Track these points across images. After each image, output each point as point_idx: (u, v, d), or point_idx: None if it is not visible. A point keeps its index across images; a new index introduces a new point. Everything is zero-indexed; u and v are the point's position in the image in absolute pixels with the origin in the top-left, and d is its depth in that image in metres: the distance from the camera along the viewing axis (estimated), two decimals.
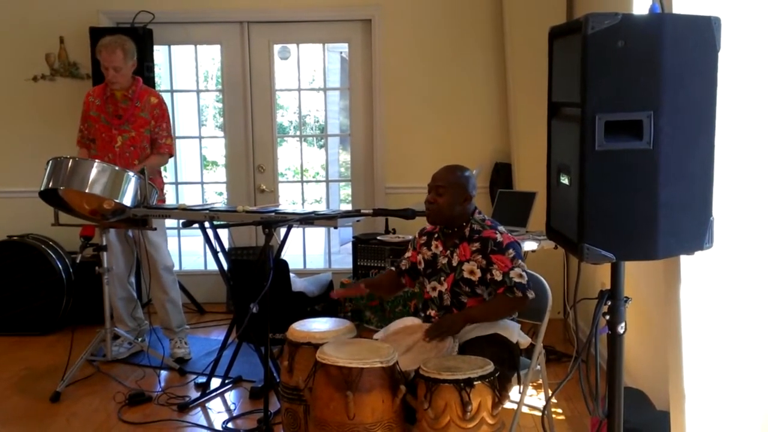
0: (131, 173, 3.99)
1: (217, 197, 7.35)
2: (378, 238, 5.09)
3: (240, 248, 5.58)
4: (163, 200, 4.57)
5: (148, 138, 4.40)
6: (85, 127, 4.49)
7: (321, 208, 6.44)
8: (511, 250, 2.96)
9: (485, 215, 3.12)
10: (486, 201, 5.34)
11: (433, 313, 3.11)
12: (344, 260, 6.30)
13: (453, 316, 3.00)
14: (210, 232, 3.99)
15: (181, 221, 4.17)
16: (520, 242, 3.09)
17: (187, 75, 6.14)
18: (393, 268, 3.30)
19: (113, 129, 4.36)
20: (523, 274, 2.94)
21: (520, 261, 2.96)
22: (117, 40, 4.29)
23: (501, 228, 3.06)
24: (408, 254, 3.26)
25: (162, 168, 4.61)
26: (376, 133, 5.64)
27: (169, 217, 4.09)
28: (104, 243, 4.18)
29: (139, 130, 4.36)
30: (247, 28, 5.67)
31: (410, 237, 3.32)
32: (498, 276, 2.93)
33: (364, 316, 5.04)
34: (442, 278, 3.06)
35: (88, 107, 4.45)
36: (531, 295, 2.94)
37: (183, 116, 6.48)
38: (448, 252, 3.06)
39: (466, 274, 3.00)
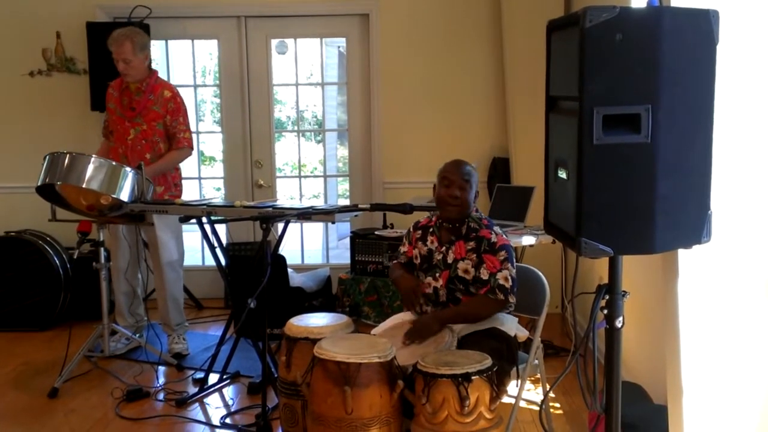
0: (128, 168, 3.98)
1: (214, 192, 7.34)
2: (376, 232, 5.08)
3: (238, 243, 5.57)
4: (179, 195, 4.54)
5: (161, 132, 4.38)
6: (106, 119, 4.51)
7: (319, 203, 6.44)
8: (503, 252, 2.95)
9: (482, 213, 3.12)
10: (484, 196, 5.32)
11: (429, 309, 3.10)
12: (342, 255, 6.29)
13: (428, 317, 2.98)
14: (207, 227, 3.98)
15: (178, 216, 4.15)
16: (512, 246, 3.07)
17: (185, 70, 6.11)
18: (396, 262, 3.28)
19: (127, 121, 4.36)
20: (509, 278, 2.93)
21: (509, 264, 2.95)
22: (126, 32, 4.29)
23: (497, 228, 3.05)
24: (404, 249, 3.25)
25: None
26: (373, 128, 5.63)
27: (167, 212, 4.08)
28: (101, 238, 4.17)
29: (150, 124, 4.35)
30: (244, 23, 5.65)
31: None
32: (484, 275, 2.93)
33: (362, 311, 5.03)
34: (437, 274, 3.06)
35: (108, 99, 4.47)
36: (513, 299, 2.94)
37: None
38: (444, 248, 3.05)
39: (460, 273, 3.00)
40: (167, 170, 4.44)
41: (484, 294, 2.93)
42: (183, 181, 4.85)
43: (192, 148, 4.50)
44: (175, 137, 4.40)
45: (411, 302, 3.04)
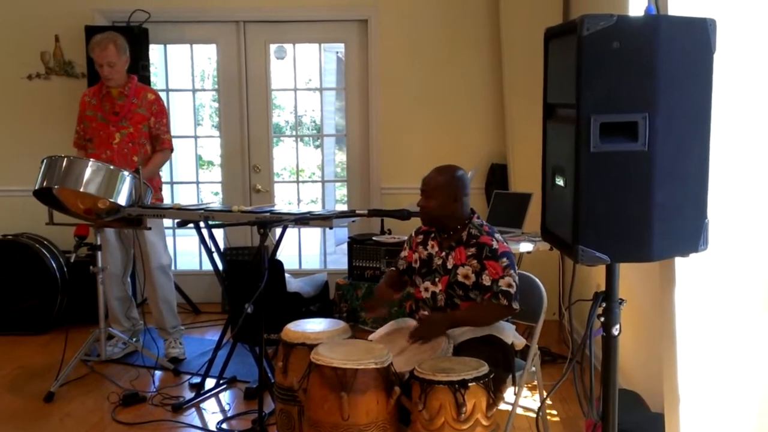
0: (126, 172, 3.98)
1: (212, 197, 7.33)
2: (373, 238, 5.08)
3: (235, 248, 5.57)
4: (161, 199, 4.56)
5: (146, 134, 4.41)
6: (81, 128, 4.50)
7: (316, 208, 6.43)
8: (505, 259, 2.95)
9: (483, 221, 3.12)
10: (482, 202, 5.33)
11: (426, 314, 3.10)
12: (340, 260, 6.29)
13: (436, 317, 2.99)
14: (205, 232, 3.98)
15: (175, 221, 4.15)
16: (513, 253, 3.07)
17: (183, 74, 6.12)
18: (393, 268, 3.29)
19: (111, 126, 4.36)
20: (513, 284, 2.92)
21: (512, 271, 2.94)
22: (108, 36, 4.32)
23: (498, 236, 3.05)
24: (404, 254, 3.25)
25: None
26: (371, 134, 5.64)
27: (164, 216, 4.08)
28: (99, 242, 4.17)
29: (136, 126, 4.37)
30: (243, 28, 5.66)
31: (405, 237, 3.31)
32: (487, 281, 2.93)
33: (359, 317, 5.03)
34: (437, 279, 3.06)
35: (84, 107, 4.46)
36: (516, 306, 2.93)
37: (179, 116, 6.47)
38: (444, 253, 3.05)
39: (460, 278, 2.99)
40: (156, 173, 4.46)
41: (488, 299, 2.94)
42: (181, 185, 4.88)
43: (173, 150, 4.56)
44: (158, 138, 4.44)
45: (374, 307, 3.13)
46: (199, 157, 6.25)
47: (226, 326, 4.08)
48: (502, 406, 2.86)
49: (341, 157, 6.89)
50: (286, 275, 5.01)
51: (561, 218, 2.06)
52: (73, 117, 5.46)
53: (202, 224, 3.93)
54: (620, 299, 2.13)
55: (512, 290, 2.91)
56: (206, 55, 7.89)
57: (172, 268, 4.71)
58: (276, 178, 6.03)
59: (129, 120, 4.36)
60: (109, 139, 4.36)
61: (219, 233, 5.22)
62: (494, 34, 5.43)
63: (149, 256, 4.43)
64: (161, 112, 4.44)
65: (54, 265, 5.06)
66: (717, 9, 2.05)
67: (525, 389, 3.33)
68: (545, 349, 4.39)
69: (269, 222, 3.20)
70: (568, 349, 4.55)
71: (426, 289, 3.09)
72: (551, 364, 4.30)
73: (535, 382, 3.18)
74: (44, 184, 3.93)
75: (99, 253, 4.16)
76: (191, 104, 6.04)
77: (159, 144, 4.44)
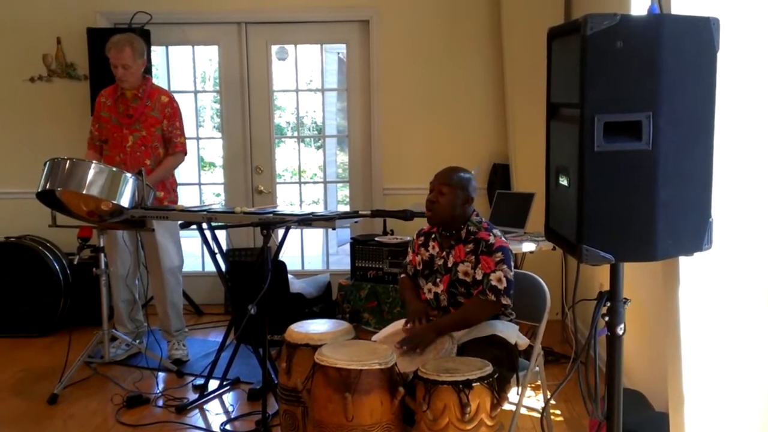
0: (129, 174, 3.98)
1: (214, 198, 7.34)
2: (376, 239, 5.08)
3: (238, 249, 5.57)
4: (175, 201, 4.55)
5: (159, 137, 4.39)
6: (96, 128, 4.48)
7: (319, 209, 6.44)
8: (499, 254, 2.95)
9: (482, 218, 3.12)
10: (484, 202, 5.33)
11: (435, 313, 3.10)
12: (342, 261, 6.29)
13: (423, 328, 2.97)
14: (208, 233, 3.98)
15: (178, 222, 4.15)
16: (511, 249, 3.05)
17: (185, 76, 6.13)
18: (404, 276, 3.29)
19: (124, 129, 4.35)
20: (503, 279, 2.92)
21: (505, 266, 2.94)
22: (126, 38, 4.30)
23: (496, 231, 3.05)
24: (409, 258, 3.26)
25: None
26: (373, 134, 5.64)
27: (167, 218, 4.08)
28: (101, 244, 4.17)
29: (149, 129, 4.36)
30: (244, 29, 5.66)
31: (408, 238, 3.32)
32: (479, 276, 2.93)
33: (362, 318, 5.03)
34: (438, 279, 3.06)
35: (100, 108, 4.45)
36: (506, 301, 2.93)
37: None
38: (444, 253, 3.06)
39: (461, 275, 3.00)
40: (165, 176, 4.44)
41: (476, 295, 2.94)
42: (183, 187, 4.84)
43: (186, 153, 4.52)
44: (171, 142, 4.41)
45: (414, 323, 3.04)
46: (200, 159, 6.25)
47: (230, 327, 4.08)
48: (506, 406, 2.86)
49: (343, 157, 6.89)
50: (289, 276, 5.02)
51: (565, 218, 2.06)
52: (75, 119, 5.49)
53: (205, 226, 3.93)
54: (624, 299, 2.13)
55: (501, 286, 2.91)
56: (207, 57, 7.89)
57: None
58: (278, 180, 6.03)
59: (142, 123, 4.35)
60: (123, 142, 4.35)
61: (222, 234, 5.22)
62: (496, 34, 5.43)
63: (159, 258, 4.43)
64: (174, 115, 4.40)
65: (57, 267, 5.07)
66: (720, 8, 2.05)
67: (529, 389, 3.33)
68: (548, 349, 4.39)
69: (272, 223, 3.20)
70: (570, 348, 4.55)
71: (429, 291, 3.09)
72: (554, 364, 4.30)
73: (539, 382, 3.18)
74: (47, 186, 3.93)
75: (102, 255, 4.16)
76: (193, 106, 6.04)
77: (171, 147, 4.41)
